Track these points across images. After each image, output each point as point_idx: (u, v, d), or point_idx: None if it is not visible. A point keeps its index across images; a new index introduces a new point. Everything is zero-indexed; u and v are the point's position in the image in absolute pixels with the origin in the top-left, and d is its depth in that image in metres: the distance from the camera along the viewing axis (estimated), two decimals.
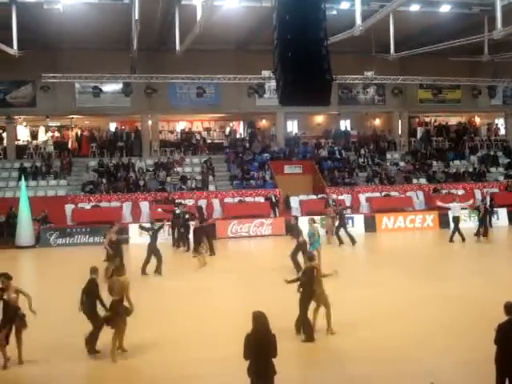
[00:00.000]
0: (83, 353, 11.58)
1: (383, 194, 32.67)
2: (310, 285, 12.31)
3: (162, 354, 11.88)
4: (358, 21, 21.10)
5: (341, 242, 24.94)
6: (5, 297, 11.24)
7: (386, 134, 38.91)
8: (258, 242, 27.13)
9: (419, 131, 40.67)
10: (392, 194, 32.65)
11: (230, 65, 32.60)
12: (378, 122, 41.57)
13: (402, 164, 35.96)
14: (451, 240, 24.98)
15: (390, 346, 11.95)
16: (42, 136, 37.81)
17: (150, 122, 36.20)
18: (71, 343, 12.30)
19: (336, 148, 36.53)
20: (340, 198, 31.25)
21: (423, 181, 34.48)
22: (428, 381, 6.31)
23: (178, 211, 25.72)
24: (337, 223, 25.90)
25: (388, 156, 36.94)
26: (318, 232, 19.61)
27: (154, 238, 19.93)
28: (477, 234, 25.38)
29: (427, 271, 19.41)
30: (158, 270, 19.63)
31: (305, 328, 12.37)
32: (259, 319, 8.28)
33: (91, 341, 11.62)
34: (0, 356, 11.08)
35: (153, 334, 12.92)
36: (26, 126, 38.61)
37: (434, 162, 36.09)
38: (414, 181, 34.39)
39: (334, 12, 24.63)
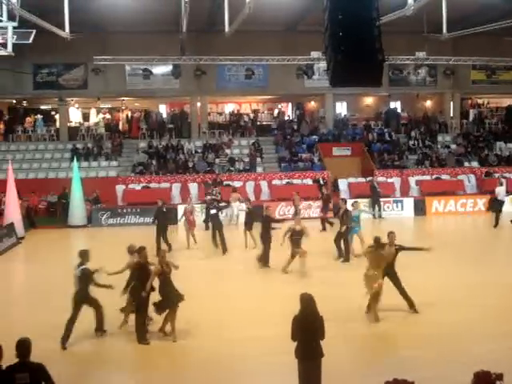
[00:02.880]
0: (129, 333, 11.81)
1: (434, 177, 32.15)
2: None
3: (206, 333, 12.03)
4: (410, 0, 20.67)
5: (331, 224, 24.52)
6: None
7: (438, 115, 38.18)
8: (305, 225, 26.99)
9: (471, 113, 39.81)
10: (443, 177, 32.12)
11: (278, 46, 32.50)
12: (429, 103, 40.83)
13: (453, 147, 35.27)
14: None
15: (440, 332, 11.81)
16: (94, 118, 38.43)
17: (198, 104, 36.39)
18: (118, 323, 12.54)
19: (386, 130, 36.07)
20: (389, 180, 30.99)
21: (475, 164, 33.79)
22: (479, 367, 6.22)
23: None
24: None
25: (439, 138, 36.27)
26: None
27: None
28: None
29: (478, 256, 19.08)
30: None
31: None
32: (307, 301, 8.26)
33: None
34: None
35: (197, 314, 13.07)
36: (77, 108, 39.33)
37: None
38: (466, 164, 33.74)
39: None
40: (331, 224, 23.84)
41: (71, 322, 11.40)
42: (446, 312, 13.00)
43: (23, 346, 6.87)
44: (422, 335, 11.65)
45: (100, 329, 12.01)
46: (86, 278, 11.70)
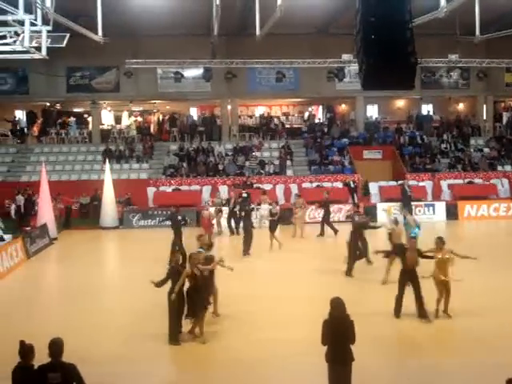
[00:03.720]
0: (160, 334, 11.89)
1: (466, 180, 31.75)
2: None
3: (236, 334, 12.11)
4: (443, 2, 20.45)
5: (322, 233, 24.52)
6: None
7: (470, 118, 37.71)
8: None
9: (505, 116, 39.22)
10: (475, 181, 31.70)
11: (309, 49, 32.46)
12: (461, 106, 40.37)
13: (486, 150, 34.79)
14: None
15: (471, 338, 11.68)
16: (126, 120, 38.80)
17: (229, 107, 36.50)
18: (150, 323, 12.64)
19: (417, 133, 35.75)
20: (421, 184, 30.73)
21: (508, 168, 33.26)
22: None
23: (244, 195, 26.03)
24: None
25: (472, 142, 35.80)
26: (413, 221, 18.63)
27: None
28: None
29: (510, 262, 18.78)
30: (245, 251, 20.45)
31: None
32: (336, 305, 8.21)
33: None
34: None
35: (227, 315, 13.13)
36: (110, 111, 39.74)
37: None
38: (499, 168, 33.25)
39: None
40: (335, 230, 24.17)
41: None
42: (478, 318, 12.83)
43: (56, 346, 6.95)
44: (450, 341, 11.54)
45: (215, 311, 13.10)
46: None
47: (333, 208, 27.89)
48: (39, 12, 17.02)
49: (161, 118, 38.10)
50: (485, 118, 37.68)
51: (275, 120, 37.62)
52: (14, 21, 16.06)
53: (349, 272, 16.99)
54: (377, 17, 7.00)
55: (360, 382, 8.48)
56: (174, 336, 11.57)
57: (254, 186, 30.07)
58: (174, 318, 11.58)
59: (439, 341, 11.68)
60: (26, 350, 7.03)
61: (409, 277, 12.75)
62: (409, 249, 13.06)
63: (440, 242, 13.03)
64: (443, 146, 34.99)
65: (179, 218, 19.93)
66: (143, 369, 10.57)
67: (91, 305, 14.72)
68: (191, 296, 11.60)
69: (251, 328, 12.50)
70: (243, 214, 22.95)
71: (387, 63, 7.04)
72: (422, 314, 12.72)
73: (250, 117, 39.48)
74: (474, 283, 15.72)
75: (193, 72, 34.19)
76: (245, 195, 26.07)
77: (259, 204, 25.31)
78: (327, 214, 24.92)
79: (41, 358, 7.00)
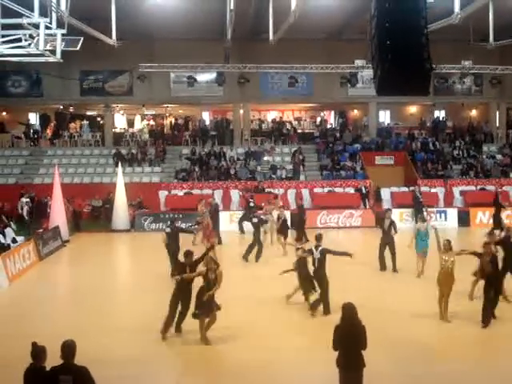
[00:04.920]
0: (169, 337, 11.97)
1: (478, 187, 31.63)
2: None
3: (246, 341, 12.05)
4: (457, 8, 20.40)
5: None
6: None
7: (483, 125, 37.55)
8: (347, 234, 26.90)
9: None
10: (488, 187, 31.54)
11: (322, 54, 32.47)
12: (474, 112, 40.21)
13: (499, 157, 34.62)
14: None
15: (483, 344, 11.60)
16: (138, 124, 38.94)
17: (241, 111, 36.55)
18: (160, 326, 12.64)
19: (430, 139, 35.63)
20: (433, 190, 30.62)
21: None
22: None
23: (251, 204, 25.53)
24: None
25: (484, 148, 35.63)
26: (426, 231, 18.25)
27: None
28: None
29: None
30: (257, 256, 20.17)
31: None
32: (348, 310, 8.18)
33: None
34: None
35: (237, 322, 13.07)
36: (123, 114, 39.92)
37: None
38: None
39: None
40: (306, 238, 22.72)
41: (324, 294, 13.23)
42: (494, 324, 12.74)
43: (68, 348, 6.96)
44: (467, 347, 11.44)
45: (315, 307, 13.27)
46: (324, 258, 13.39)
47: (345, 213, 28.06)
48: (54, 15, 17.13)
49: (173, 121, 38.20)
50: (497, 124, 37.54)
51: (287, 125, 37.63)
52: (28, 24, 16.14)
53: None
54: (392, 22, 6.99)
55: None
56: (165, 328, 11.93)
57: (266, 190, 30.05)
58: (172, 309, 11.90)
59: (455, 346, 11.57)
60: (37, 352, 7.04)
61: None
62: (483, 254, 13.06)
63: (448, 244, 13.03)
64: (455, 152, 34.87)
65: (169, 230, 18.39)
66: (152, 371, 10.58)
67: (101, 307, 14.76)
68: (200, 296, 11.60)
69: (261, 333, 12.47)
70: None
71: (402, 69, 7.04)
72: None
73: (262, 121, 39.48)
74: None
75: (206, 76, 34.31)
76: (251, 204, 25.50)
77: (261, 208, 24.74)
78: (301, 219, 24.16)
79: (52, 359, 7.01)
